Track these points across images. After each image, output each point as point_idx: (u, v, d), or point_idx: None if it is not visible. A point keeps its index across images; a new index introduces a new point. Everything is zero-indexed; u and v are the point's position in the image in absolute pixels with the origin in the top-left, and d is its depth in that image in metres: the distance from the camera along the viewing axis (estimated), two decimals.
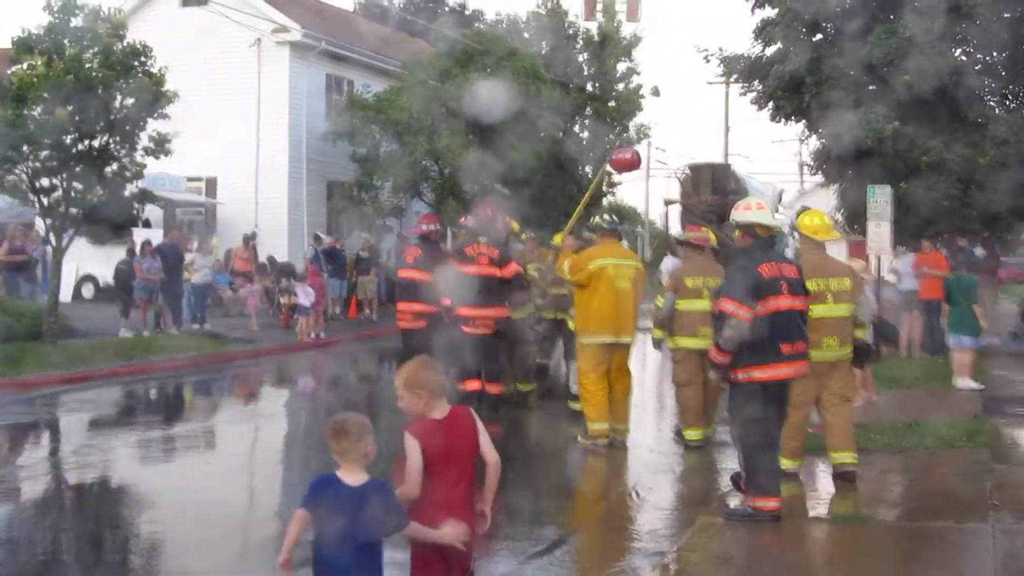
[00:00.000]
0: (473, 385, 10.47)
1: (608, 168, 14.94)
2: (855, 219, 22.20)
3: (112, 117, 16.30)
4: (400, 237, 26.70)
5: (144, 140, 17.45)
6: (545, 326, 11.59)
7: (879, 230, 15.69)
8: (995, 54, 18.43)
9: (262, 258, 25.03)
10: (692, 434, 9.44)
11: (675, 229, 9.25)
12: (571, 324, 9.95)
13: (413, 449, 4.09)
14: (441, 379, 4.18)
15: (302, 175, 27.32)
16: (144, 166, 17.87)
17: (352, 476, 3.86)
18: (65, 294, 20.81)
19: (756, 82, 22.95)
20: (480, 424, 4.20)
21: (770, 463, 6.73)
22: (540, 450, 9.73)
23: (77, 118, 15.83)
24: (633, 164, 10.20)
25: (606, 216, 9.85)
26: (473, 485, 4.15)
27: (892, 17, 18.57)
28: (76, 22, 16.31)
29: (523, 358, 11.46)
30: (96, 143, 16.38)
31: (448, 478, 4.06)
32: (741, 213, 6.90)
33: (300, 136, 27.08)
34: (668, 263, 26.78)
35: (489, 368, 10.60)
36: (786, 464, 7.66)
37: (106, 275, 22.64)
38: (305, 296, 20.19)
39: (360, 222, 26.32)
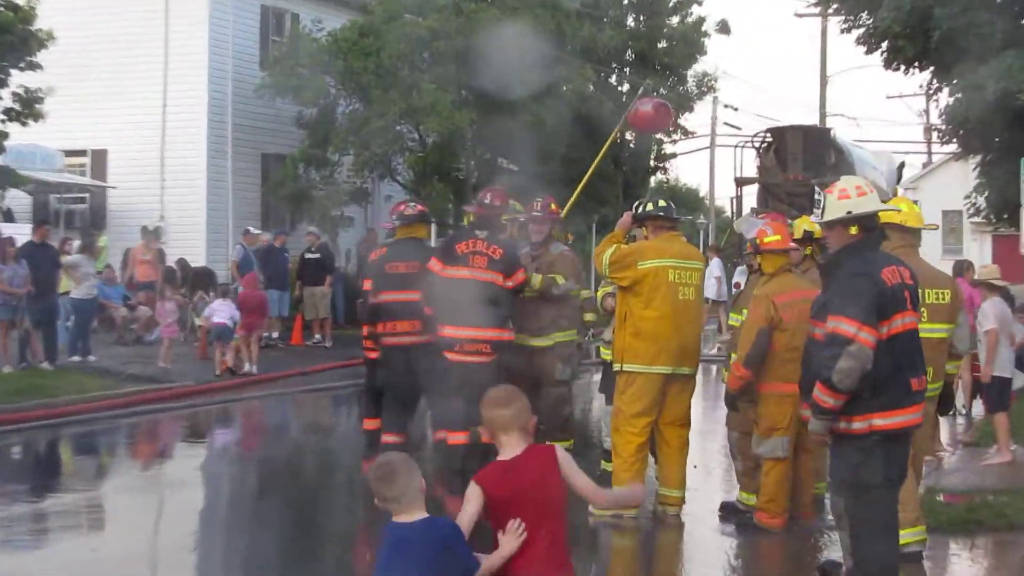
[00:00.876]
0: (457, 438, 10.74)
1: (628, 124, 14.95)
2: (1003, 206, 22.59)
3: None
4: (368, 235, 27.25)
5: (5, 98, 17.58)
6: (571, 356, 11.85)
7: None
8: None
9: (171, 262, 25.41)
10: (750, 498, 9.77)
11: (748, 226, 10.78)
12: (604, 352, 10.49)
13: (471, 496, 4.85)
14: (510, 413, 4.94)
15: (226, 147, 27.73)
16: (5, 135, 18.21)
17: (412, 516, 4.67)
18: None
19: (865, 14, 23.42)
20: (568, 463, 4.93)
21: (890, 549, 6.92)
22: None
23: None
24: (657, 121, 10.23)
25: (661, 202, 10.17)
26: (559, 536, 4.86)
27: None
28: None
29: (554, 404, 11.76)
30: None
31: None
32: (837, 202, 7.05)
33: (224, 93, 27.69)
34: (715, 266, 27.11)
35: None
36: (907, 537, 7.92)
37: None
38: (225, 315, 20.48)
39: (309, 212, 26.78)
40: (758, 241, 9.60)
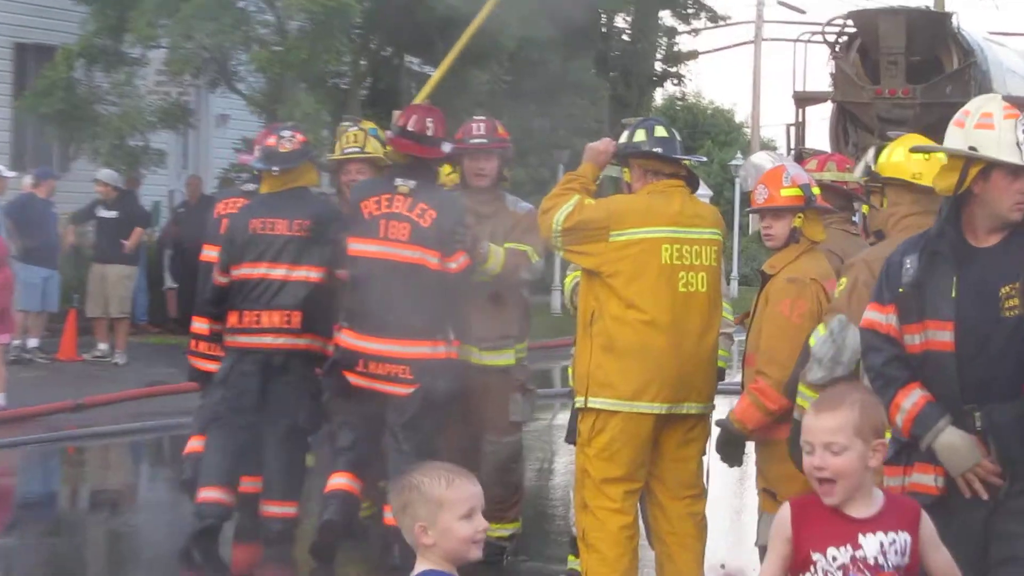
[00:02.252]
0: (337, 480, 10.59)
1: None
2: None
3: None
4: (190, 181, 25.79)
5: None
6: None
7: None
8: None
9: None
10: None
11: (754, 170, 9.71)
12: (570, 374, 9.86)
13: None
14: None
15: None
16: None
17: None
18: None
19: None
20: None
21: None
22: None
23: None
24: None
25: (659, 130, 9.16)
26: None
27: None
28: None
29: (504, 461, 10.74)
30: None
31: None
32: (963, 133, 6.47)
33: None
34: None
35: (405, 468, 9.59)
36: None
37: None
38: None
39: (93, 141, 24.58)
40: (766, 193, 8.93)
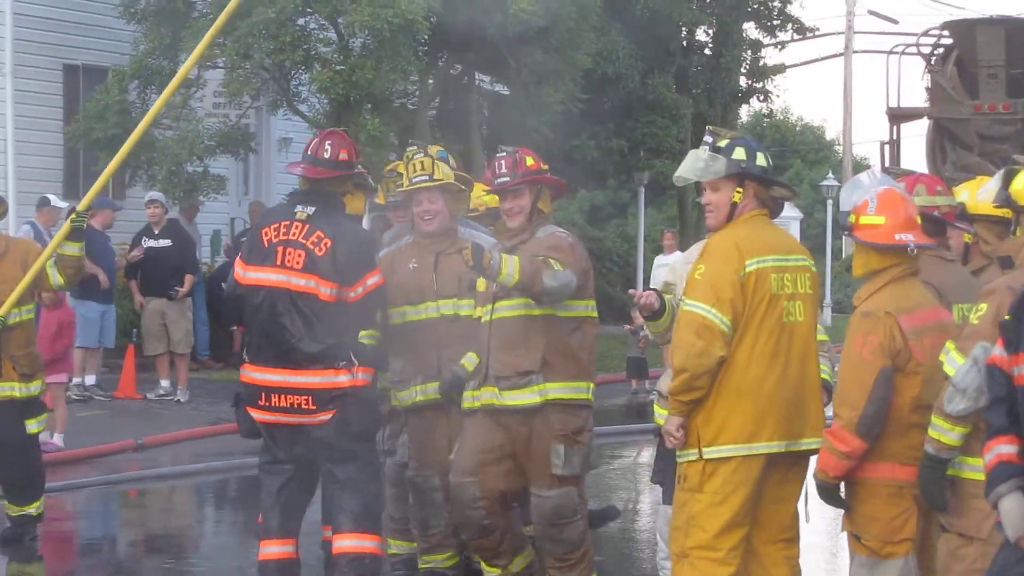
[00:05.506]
0: (275, 551, 10.67)
1: None
2: None
3: None
4: (253, 208, 26.14)
5: None
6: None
7: None
8: None
9: None
10: None
11: (858, 191, 8.58)
12: (660, 411, 9.85)
13: None
14: None
15: (2, 55, 25.23)
16: None
17: None
18: None
19: None
20: None
21: None
22: None
23: None
24: None
25: (760, 158, 9.28)
26: None
27: None
28: None
29: (550, 516, 10.59)
30: None
31: None
32: None
33: None
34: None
35: (341, 502, 10.79)
36: None
37: None
38: None
39: (149, 167, 24.79)
40: (851, 220, 8.89)
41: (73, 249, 13.62)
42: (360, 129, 23.74)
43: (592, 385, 10.68)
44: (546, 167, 10.95)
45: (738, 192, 9.16)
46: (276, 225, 10.61)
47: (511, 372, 10.45)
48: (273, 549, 10.92)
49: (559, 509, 10.65)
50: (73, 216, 13.28)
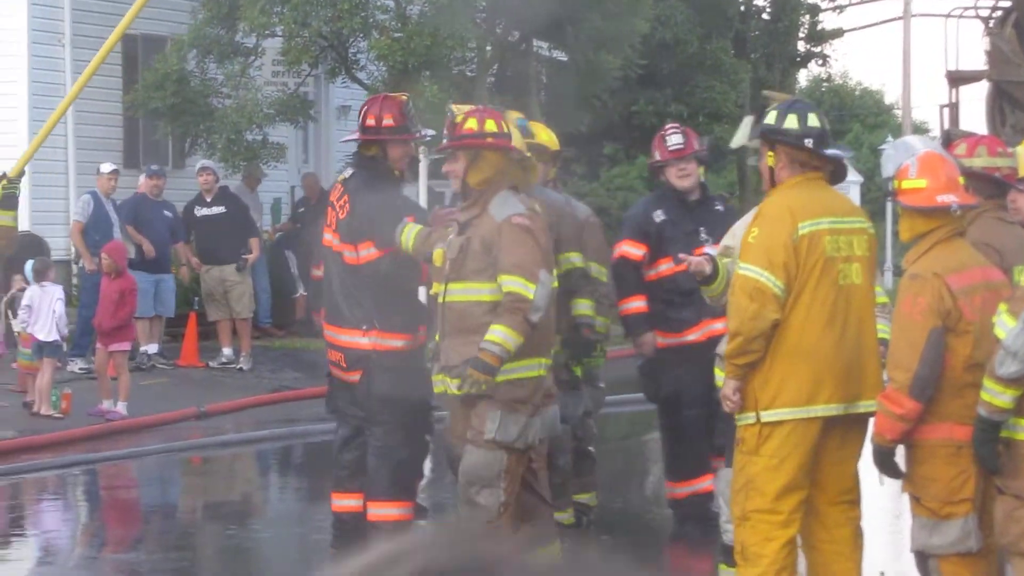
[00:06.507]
0: (343, 504, 11.02)
1: None
2: None
3: None
4: (306, 179, 26.58)
5: None
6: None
7: None
8: None
9: None
10: None
11: (904, 151, 9.08)
12: (720, 374, 9.76)
13: None
14: None
15: (61, 25, 25.68)
16: None
17: None
18: None
19: None
20: None
21: None
22: None
23: None
24: None
25: (813, 117, 9.18)
26: None
27: None
28: None
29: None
30: None
31: None
32: None
33: None
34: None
35: (370, 466, 11.06)
36: None
37: None
38: (45, 320, 18.36)
39: (208, 136, 25.11)
40: (894, 185, 8.99)
41: (5, 218, 13.20)
42: (419, 96, 23.67)
43: (546, 360, 10.43)
44: (507, 132, 10.44)
45: (770, 156, 9.25)
46: (335, 187, 11.28)
47: (461, 361, 10.43)
48: (341, 502, 11.20)
49: (479, 470, 10.52)
50: (4, 183, 12.85)
